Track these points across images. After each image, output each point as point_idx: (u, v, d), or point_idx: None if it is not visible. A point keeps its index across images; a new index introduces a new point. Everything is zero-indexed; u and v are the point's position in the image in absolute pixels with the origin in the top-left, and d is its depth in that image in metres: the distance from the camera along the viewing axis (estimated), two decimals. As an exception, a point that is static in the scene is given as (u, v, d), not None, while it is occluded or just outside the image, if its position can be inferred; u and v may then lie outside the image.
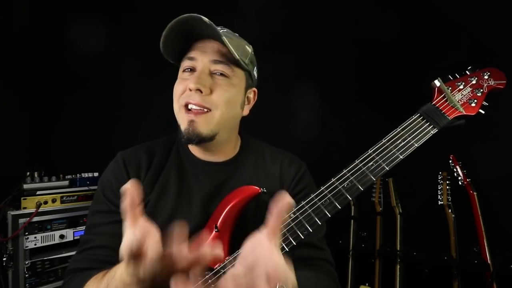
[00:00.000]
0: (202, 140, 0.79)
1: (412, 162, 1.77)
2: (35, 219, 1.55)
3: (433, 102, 0.76)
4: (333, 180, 0.70)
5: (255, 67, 0.89)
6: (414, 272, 1.68)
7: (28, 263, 1.52)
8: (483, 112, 0.77)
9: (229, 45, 0.75)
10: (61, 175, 1.76)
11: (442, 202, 1.69)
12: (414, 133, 0.72)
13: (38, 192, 1.60)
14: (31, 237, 1.54)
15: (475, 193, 1.61)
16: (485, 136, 1.71)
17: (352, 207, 1.96)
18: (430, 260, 1.63)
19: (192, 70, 0.81)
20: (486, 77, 0.79)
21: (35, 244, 1.55)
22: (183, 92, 0.79)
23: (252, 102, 0.91)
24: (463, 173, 1.68)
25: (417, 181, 1.88)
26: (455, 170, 1.71)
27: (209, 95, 0.77)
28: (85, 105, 2.18)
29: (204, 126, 0.77)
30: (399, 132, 0.73)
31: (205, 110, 0.77)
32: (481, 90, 0.78)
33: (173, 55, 0.83)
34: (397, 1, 1.93)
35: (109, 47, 2.17)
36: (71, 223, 1.67)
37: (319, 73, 2.14)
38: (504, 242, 1.63)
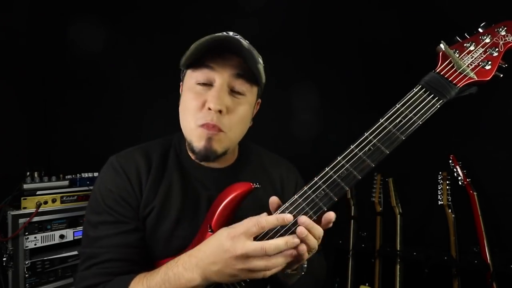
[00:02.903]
0: (218, 157, 0.78)
1: (412, 162, 1.79)
2: (35, 219, 1.55)
3: (437, 70, 0.65)
4: (327, 169, 0.63)
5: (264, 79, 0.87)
6: (414, 272, 1.68)
7: (28, 263, 1.52)
8: (501, 75, 0.63)
9: (262, 71, 0.74)
10: (61, 175, 1.76)
11: (442, 202, 1.69)
12: (416, 109, 0.61)
13: (38, 192, 1.60)
14: (31, 237, 1.54)
15: (475, 193, 1.61)
16: (485, 136, 1.71)
17: (352, 207, 1.96)
18: (430, 260, 1.63)
19: (206, 84, 0.76)
20: (503, 32, 0.65)
21: (35, 244, 1.55)
22: (200, 109, 0.75)
23: (255, 112, 0.90)
24: (463, 173, 1.68)
25: (417, 181, 1.88)
26: (455, 170, 1.71)
27: (226, 114, 0.75)
28: (85, 105, 2.18)
29: (219, 144, 0.76)
30: (398, 109, 0.62)
31: (220, 130, 0.75)
32: (497, 49, 0.64)
33: (188, 64, 0.77)
34: (399, 0, 1.93)
35: (108, 47, 2.17)
36: (71, 223, 1.67)
37: (320, 73, 2.14)
38: (504, 242, 1.63)
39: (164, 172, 0.83)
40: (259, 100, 0.91)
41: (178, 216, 0.79)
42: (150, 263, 0.77)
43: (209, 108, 0.73)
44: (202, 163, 0.85)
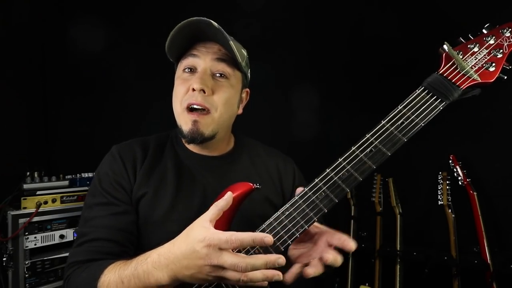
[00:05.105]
0: (205, 140, 0.82)
1: (412, 162, 1.79)
2: (35, 219, 1.54)
3: (440, 71, 0.64)
4: (327, 171, 0.62)
5: (249, 69, 0.94)
6: (414, 272, 1.68)
7: (28, 263, 1.52)
8: (505, 77, 0.62)
9: (235, 49, 0.79)
10: (61, 175, 1.75)
11: (442, 202, 1.69)
12: (419, 110, 0.60)
13: (38, 192, 1.59)
14: (31, 237, 1.54)
15: (475, 193, 1.61)
16: (486, 136, 1.71)
17: (352, 207, 1.96)
18: (430, 260, 1.63)
19: (192, 70, 0.83)
20: (507, 34, 0.64)
21: (35, 244, 1.55)
22: (186, 93, 0.81)
23: (244, 102, 0.97)
24: (463, 173, 1.68)
25: (417, 181, 1.88)
26: (455, 170, 1.71)
27: (210, 95, 0.81)
28: (85, 105, 2.18)
29: (206, 127, 0.81)
30: (400, 111, 0.61)
31: (206, 111, 0.81)
32: (501, 50, 0.63)
33: (176, 54, 0.85)
34: (401, 0, 1.93)
35: (109, 47, 2.17)
36: (71, 223, 1.66)
37: (319, 73, 2.14)
38: (504, 242, 1.63)
39: (159, 160, 0.88)
40: (247, 90, 0.97)
41: (172, 202, 0.82)
42: (141, 249, 0.78)
43: (193, 89, 0.79)
44: (197, 151, 0.90)
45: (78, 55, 2.11)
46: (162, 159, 0.88)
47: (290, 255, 0.73)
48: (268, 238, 0.56)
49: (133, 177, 0.83)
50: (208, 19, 0.76)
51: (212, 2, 2.08)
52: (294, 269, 0.65)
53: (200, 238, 0.56)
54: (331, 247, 0.65)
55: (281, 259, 0.55)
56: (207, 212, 0.61)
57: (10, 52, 1.88)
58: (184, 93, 0.81)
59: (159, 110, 1.87)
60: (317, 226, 0.71)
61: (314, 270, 0.62)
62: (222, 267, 0.55)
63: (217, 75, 0.83)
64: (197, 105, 0.79)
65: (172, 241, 0.61)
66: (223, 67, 0.83)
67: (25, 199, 1.55)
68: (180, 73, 0.85)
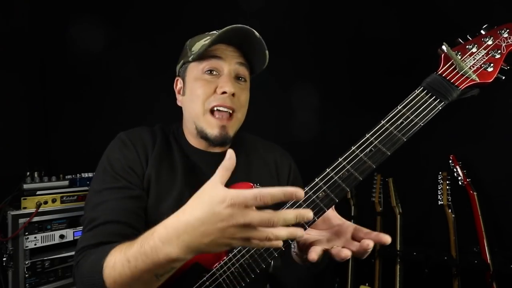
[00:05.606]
0: (230, 141, 0.86)
1: (412, 162, 1.79)
2: (35, 219, 1.54)
3: (439, 72, 0.65)
4: (328, 170, 0.62)
5: None
6: (414, 272, 1.68)
7: (28, 263, 1.52)
8: (503, 77, 0.63)
9: (267, 59, 0.84)
10: (61, 175, 1.76)
11: (442, 202, 1.69)
12: (418, 110, 0.61)
13: (38, 192, 1.59)
14: (31, 237, 1.54)
15: (475, 193, 1.61)
16: (485, 136, 1.71)
17: (352, 207, 1.96)
18: (430, 260, 1.63)
19: (214, 72, 0.83)
20: (505, 35, 0.65)
21: (35, 244, 1.55)
22: (211, 94, 0.82)
23: None
24: (463, 173, 1.68)
25: (417, 181, 1.88)
26: (455, 170, 1.71)
27: (235, 98, 0.83)
28: (85, 105, 2.18)
29: (231, 129, 0.85)
30: (400, 111, 0.62)
31: (230, 112, 0.84)
32: (499, 51, 0.64)
33: (199, 54, 0.83)
34: (396, 1, 1.93)
35: (109, 47, 2.17)
36: (71, 223, 1.67)
37: (319, 73, 2.14)
38: (504, 242, 1.63)
39: (168, 150, 0.89)
40: None
41: (180, 193, 0.82)
42: None
43: (223, 92, 0.81)
44: (201, 148, 0.91)
45: (78, 55, 2.11)
46: (170, 149, 0.89)
47: (304, 239, 0.69)
48: (299, 192, 0.50)
49: (145, 162, 0.83)
50: (250, 29, 0.79)
51: (212, 2, 2.09)
52: (319, 249, 0.61)
53: (220, 199, 0.50)
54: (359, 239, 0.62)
55: (310, 213, 0.52)
56: (214, 175, 0.54)
57: (10, 52, 1.88)
58: (208, 95, 0.82)
59: (159, 109, 1.87)
60: (340, 218, 0.69)
61: (346, 252, 0.59)
62: (249, 226, 0.50)
63: (239, 78, 0.86)
64: (226, 107, 0.81)
65: (179, 210, 0.56)
66: (244, 71, 0.86)
67: (25, 199, 1.55)
68: (199, 74, 0.84)
